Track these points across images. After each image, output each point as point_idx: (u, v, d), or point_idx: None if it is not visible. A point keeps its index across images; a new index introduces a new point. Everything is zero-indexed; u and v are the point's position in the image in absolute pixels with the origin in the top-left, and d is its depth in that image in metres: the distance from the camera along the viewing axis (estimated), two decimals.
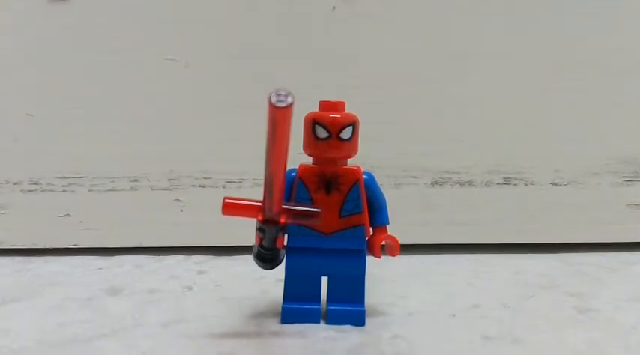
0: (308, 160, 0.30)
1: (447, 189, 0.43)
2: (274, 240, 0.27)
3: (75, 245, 0.42)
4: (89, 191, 0.42)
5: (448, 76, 0.42)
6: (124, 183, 0.42)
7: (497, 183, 0.43)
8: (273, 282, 0.35)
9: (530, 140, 0.43)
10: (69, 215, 0.42)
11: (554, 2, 0.42)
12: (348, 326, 0.29)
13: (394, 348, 0.27)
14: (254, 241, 0.28)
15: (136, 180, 0.42)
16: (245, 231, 0.30)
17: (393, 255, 0.30)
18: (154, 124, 0.41)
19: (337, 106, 0.29)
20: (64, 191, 0.42)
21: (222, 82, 0.41)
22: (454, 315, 0.31)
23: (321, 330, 0.29)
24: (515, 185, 0.43)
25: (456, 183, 0.43)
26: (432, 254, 0.43)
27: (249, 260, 0.30)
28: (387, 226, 0.30)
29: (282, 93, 0.23)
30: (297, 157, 0.29)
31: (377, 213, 0.30)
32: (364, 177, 0.29)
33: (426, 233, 0.43)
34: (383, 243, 0.30)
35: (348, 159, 0.30)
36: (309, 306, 0.30)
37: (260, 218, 0.27)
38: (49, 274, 0.38)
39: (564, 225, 0.44)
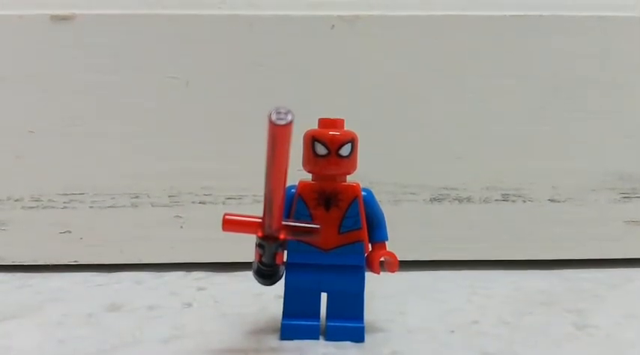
0: (307, 177, 0.30)
1: (445, 206, 0.43)
2: (274, 256, 0.28)
3: (75, 261, 0.42)
4: (90, 207, 0.42)
5: (447, 94, 0.42)
6: (125, 199, 0.42)
7: (496, 200, 0.43)
8: (272, 298, 0.35)
9: (528, 157, 0.43)
10: (69, 231, 0.42)
11: (552, 21, 0.43)
12: (347, 343, 0.29)
13: None
14: (254, 257, 0.29)
15: (136, 197, 0.42)
16: (245, 247, 0.30)
17: (392, 271, 0.30)
18: (154, 141, 0.42)
19: (336, 123, 0.29)
20: (64, 207, 0.42)
21: (222, 100, 0.42)
22: (453, 332, 0.31)
23: (320, 347, 0.29)
24: (513, 201, 0.44)
25: (455, 199, 0.43)
26: (431, 270, 0.43)
27: (248, 276, 0.30)
28: (386, 242, 0.30)
29: (282, 111, 0.23)
30: (297, 174, 0.29)
31: (376, 229, 0.30)
32: (363, 193, 0.30)
33: (425, 249, 0.43)
34: (382, 259, 0.30)
35: (348, 176, 0.30)
36: (308, 323, 0.30)
37: (260, 234, 0.27)
38: (50, 290, 0.38)
39: (562, 241, 0.44)
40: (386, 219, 0.30)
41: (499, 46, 0.43)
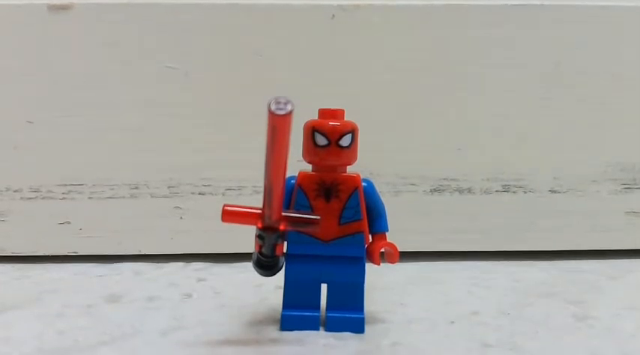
0: (307, 168, 0.30)
1: (446, 197, 0.43)
2: (274, 248, 0.27)
3: (74, 252, 0.42)
4: (89, 198, 0.42)
5: (447, 84, 0.42)
6: (124, 190, 0.42)
7: (497, 191, 0.43)
8: (272, 290, 0.35)
9: (529, 147, 0.43)
10: (69, 222, 0.42)
11: (554, 9, 0.42)
12: (347, 334, 0.29)
13: None
14: (253, 248, 0.28)
15: (135, 188, 0.42)
16: (244, 238, 0.30)
17: (393, 263, 0.30)
18: (153, 132, 0.42)
19: (336, 114, 0.29)
20: (64, 198, 0.42)
21: (221, 90, 0.42)
22: (453, 322, 0.31)
23: (320, 338, 0.29)
24: (514, 192, 0.43)
25: (455, 190, 0.43)
26: (431, 261, 0.43)
27: (248, 267, 0.30)
28: (387, 233, 0.30)
29: (281, 100, 0.23)
30: (297, 165, 0.29)
31: (376, 220, 0.30)
32: (363, 184, 0.29)
33: (425, 240, 0.43)
34: (382, 250, 0.30)
35: (348, 167, 0.30)
36: (308, 313, 0.30)
37: (259, 225, 0.27)
38: (49, 281, 0.38)
39: (563, 232, 0.44)
40: (386, 210, 0.30)
41: (500, 35, 0.42)
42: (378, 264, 0.30)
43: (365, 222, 0.29)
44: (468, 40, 0.42)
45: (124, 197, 0.42)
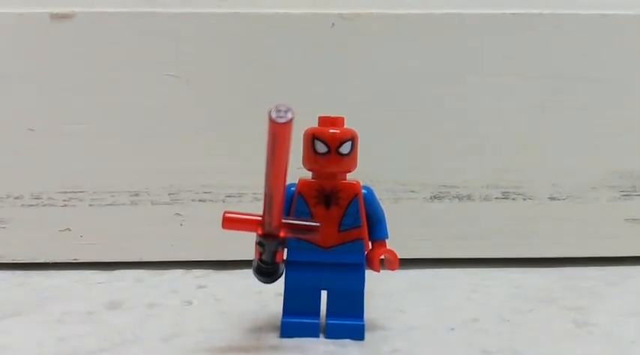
0: (307, 175, 0.30)
1: (445, 204, 0.43)
2: (274, 254, 0.28)
3: (75, 259, 0.42)
4: (90, 205, 0.42)
5: (447, 92, 0.42)
6: (125, 197, 0.42)
7: (496, 198, 0.43)
8: (272, 296, 0.35)
9: (529, 155, 0.43)
10: (69, 229, 0.42)
11: (553, 18, 0.43)
12: (347, 341, 0.29)
13: None
14: (254, 255, 0.29)
15: (136, 195, 0.42)
16: (245, 245, 0.30)
17: (392, 269, 0.30)
18: (154, 139, 0.42)
19: (336, 122, 0.29)
20: (64, 205, 0.42)
21: (222, 98, 0.42)
22: (453, 329, 0.31)
23: (320, 344, 0.29)
24: (513, 199, 0.44)
25: (455, 197, 0.43)
26: (431, 268, 0.43)
27: (248, 274, 0.30)
28: (386, 240, 0.30)
29: (282, 108, 0.23)
30: (297, 172, 0.29)
31: (376, 227, 0.30)
32: (363, 191, 0.30)
33: (425, 247, 0.43)
34: (382, 257, 0.30)
35: (348, 174, 0.30)
36: (308, 320, 0.30)
37: (260, 232, 0.27)
38: (50, 288, 0.38)
39: (563, 239, 0.44)
40: (386, 216, 0.30)
41: (499, 44, 0.42)
42: (378, 271, 0.30)
43: (365, 229, 0.30)
44: (467, 48, 0.42)
45: (124, 204, 0.42)
